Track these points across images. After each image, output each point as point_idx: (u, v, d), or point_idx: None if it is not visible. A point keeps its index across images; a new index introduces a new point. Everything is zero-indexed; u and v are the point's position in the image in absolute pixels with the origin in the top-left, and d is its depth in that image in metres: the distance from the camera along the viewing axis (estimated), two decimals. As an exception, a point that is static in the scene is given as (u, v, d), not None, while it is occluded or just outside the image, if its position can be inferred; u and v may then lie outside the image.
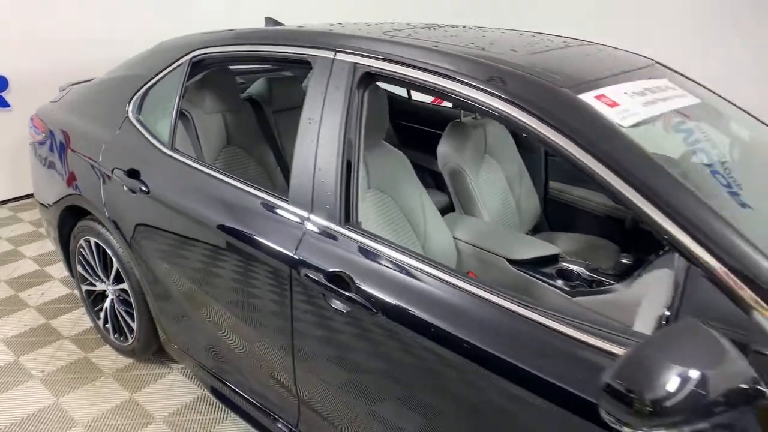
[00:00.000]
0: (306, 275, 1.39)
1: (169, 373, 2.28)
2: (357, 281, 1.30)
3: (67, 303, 2.73)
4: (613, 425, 0.83)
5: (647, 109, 1.25)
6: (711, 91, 1.82)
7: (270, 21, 2.50)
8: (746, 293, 0.89)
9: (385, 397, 1.34)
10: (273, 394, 1.70)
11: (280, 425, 1.70)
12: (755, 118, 1.80)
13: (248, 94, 2.56)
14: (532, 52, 1.46)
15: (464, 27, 1.91)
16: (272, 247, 1.48)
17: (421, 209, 1.89)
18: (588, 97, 1.18)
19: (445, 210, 2.22)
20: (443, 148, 2.21)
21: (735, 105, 1.81)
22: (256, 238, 1.53)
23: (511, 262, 1.83)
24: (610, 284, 1.68)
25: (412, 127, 3.14)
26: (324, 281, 1.34)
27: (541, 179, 2.58)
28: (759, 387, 0.82)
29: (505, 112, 1.17)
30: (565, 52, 1.54)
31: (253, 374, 1.75)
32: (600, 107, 1.16)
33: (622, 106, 1.21)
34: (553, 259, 1.85)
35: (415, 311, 1.22)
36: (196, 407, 2.10)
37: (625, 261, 1.78)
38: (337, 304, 1.33)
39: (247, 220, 1.57)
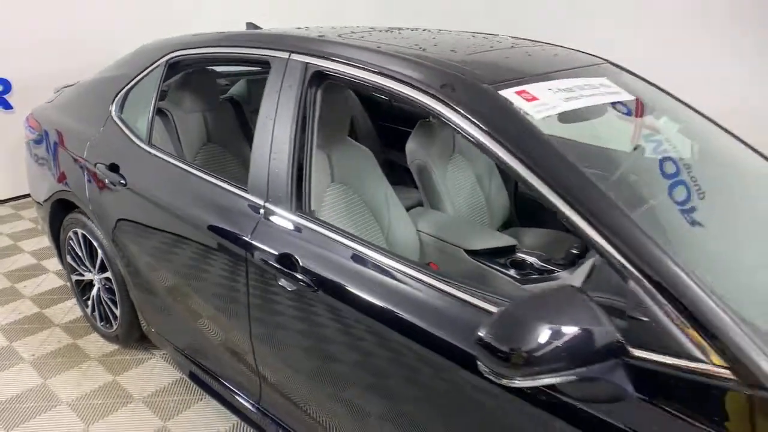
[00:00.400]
0: (260, 258, 1.51)
1: (151, 358, 2.40)
2: (302, 262, 1.42)
3: (61, 294, 2.88)
4: (490, 377, 0.93)
5: (567, 104, 1.36)
6: (665, 91, 1.93)
7: (250, 25, 2.63)
8: (622, 262, 0.99)
9: (332, 372, 1.45)
10: (239, 374, 1.81)
11: (247, 404, 1.81)
12: (708, 118, 1.90)
13: (230, 94, 2.69)
14: (472, 52, 1.57)
15: (424, 30, 2.02)
16: (231, 232, 1.60)
17: (385, 203, 2.00)
18: (508, 93, 1.29)
19: (418, 206, 2.33)
20: (411, 145, 2.32)
21: (689, 106, 1.91)
22: (219, 225, 1.65)
23: (468, 252, 1.94)
24: (558, 272, 1.79)
25: (395, 128, 3.26)
26: (273, 263, 1.46)
27: (512, 177, 2.68)
28: (621, 344, 0.92)
29: (427, 104, 1.29)
30: (506, 53, 1.65)
31: (222, 356, 1.86)
32: (517, 101, 1.27)
33: (540, 100, 1.31)
34: (509, 250, 1.95)
35: (351, 288, 1.33)
36: (174, 389, 2.23)
37: (573, 251, 1.88)
38: (284, 282, 1.45)
39: (212, 209, 1.69)
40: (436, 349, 1.18)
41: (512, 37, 2.05)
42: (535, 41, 1.98)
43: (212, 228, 1.67)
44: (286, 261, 1.44)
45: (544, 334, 0.88)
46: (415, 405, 1.27)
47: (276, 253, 1.46)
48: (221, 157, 2.41)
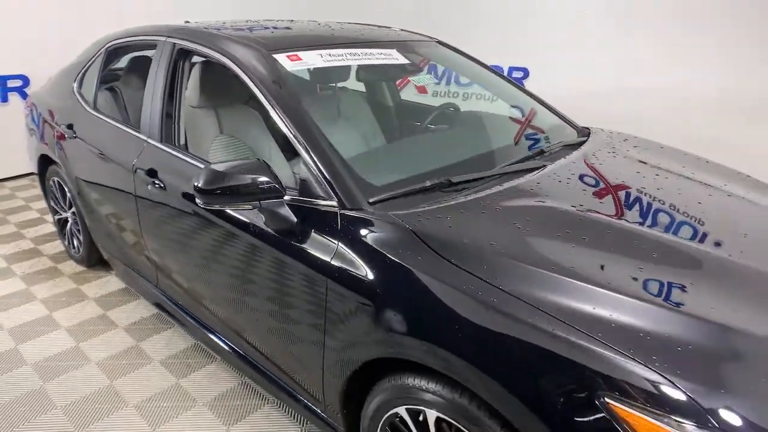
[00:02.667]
0: (140, 172, 2.24)
1: (128, 289, 3.18)
2: (159, 173, 2.14)
3: (54, 238, 3.71)
4: (201, 206, 1.62)
5: (323, 62, 2.02)
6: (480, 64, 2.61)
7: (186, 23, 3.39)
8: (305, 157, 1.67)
9: (186, 248, 2.15)
10: (144, 266, 2.55)
11: (149, 287, 2.55)
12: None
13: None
14: (284, 31, 2.26)
15: (310, 22, 2.70)
16: (124, 159, 2.34)
17: (267, 151, 2.70)
18: (280, 55, 1.97)
19: None
20: None
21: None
22: (121, 154, 2.39)
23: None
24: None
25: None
26: (145, 174, 2.19)
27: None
28: (280, 190, 1.58)
29: (223, 61, 1.99)
30: (315, 31, 2.33)
31: (135, 255, 2.60)
32: (282, 60, 1.95)
33: (302, 60, 1.99)
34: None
35: (182, 187, 2.04)
36: (155, 320, 2.99)
37: None
38: (150, 186, 2.17)
39: (120, 146, 2.44)
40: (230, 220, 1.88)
41: (369, 25, 2.71)
42: (375, 26, 2.65)
43: (118, 158, 2.42)
44: (153, 172, 2.17)
45: (235, 179, 1.56)
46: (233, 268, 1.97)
47: (147, 167, 2.20)
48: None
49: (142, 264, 2.56)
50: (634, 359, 1.06)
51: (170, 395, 2.22)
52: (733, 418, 0.99)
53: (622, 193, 1.73)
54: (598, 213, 1.57)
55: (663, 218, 1.61)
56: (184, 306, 2.34)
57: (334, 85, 2.53)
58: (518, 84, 2.77)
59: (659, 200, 1.72)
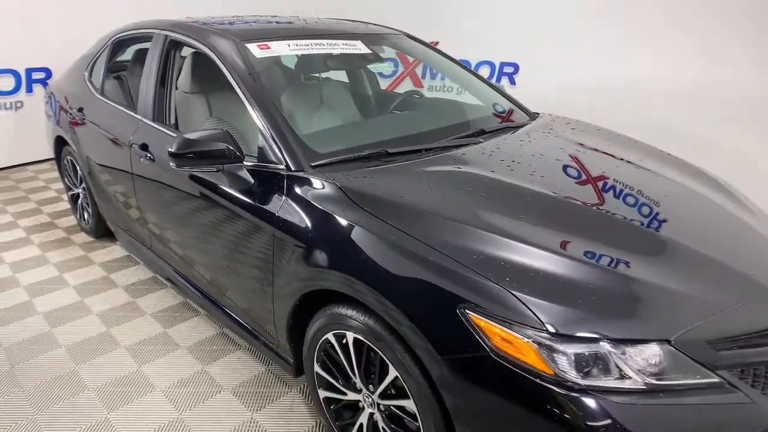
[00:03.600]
0: (135, 147, 2.57)
1: (130, 257, 3.54)
2: (150, 147, 2.47)
3: (68, 213, 4.10)
4: (173, 168, 1.94)
5: (289, 51, 2.33)
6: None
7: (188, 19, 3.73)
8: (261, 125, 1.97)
9: (172, 218, 2.48)
10: (141, 230, 2.89)
11: (145, 250, 2.89)
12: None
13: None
14: (260, 24, 2.57)
15: (293, 16, 3.01)
16: (124, 136, 2.68)
17: (244, 129, 3.01)
18: (251, 44, 2.28)
19: None
20: None
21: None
22: (121, 133, 2.73)
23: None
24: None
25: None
26: (139, 149, 2.52)
27: None
28: (238, 155, 1.88)
29: (203, 49, 2.30)
30: (287, 24, 2.63)
31: (132, 223, 2.94)
32: (253, 48, 2.25)
33: (271, 49, 2.29)
34: None
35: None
36: (150, 282, 3.35)
37: None
38: (143, 159, 2.50)
39: (122, 126, 2.78)
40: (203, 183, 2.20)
41: (345, 20, 3.01)
42: (348, 20, 2.95)
43: (119, 136, 2.76)
44: (145, 146, 2.50)
45: (202, 146, 1.87)
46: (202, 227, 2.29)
47: (140, 143, 2.53)
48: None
49: (138, 230, 2.90)
50: (489, 280, 1.34)
51: (157, 340, 2.55)
52: (563, 325, 1.26)
53: (535, 163, 2.00)
54: (502, 177, 1.84)
55: (559, 180, 1.88)
56: (174, 266, 2.67)
57: (317, 75, 2.86)
58: (478, 74, 3.04)
59: (566, 168, 1.99)
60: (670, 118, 4.50)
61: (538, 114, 2.75)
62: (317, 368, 1.84)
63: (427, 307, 1.39)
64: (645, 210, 1.76)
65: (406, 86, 5.65)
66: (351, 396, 1.75)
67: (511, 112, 2.72)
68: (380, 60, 2.74)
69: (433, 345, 1.36)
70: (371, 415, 1.70)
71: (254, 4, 6.11)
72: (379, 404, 1.65)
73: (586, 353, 1.24)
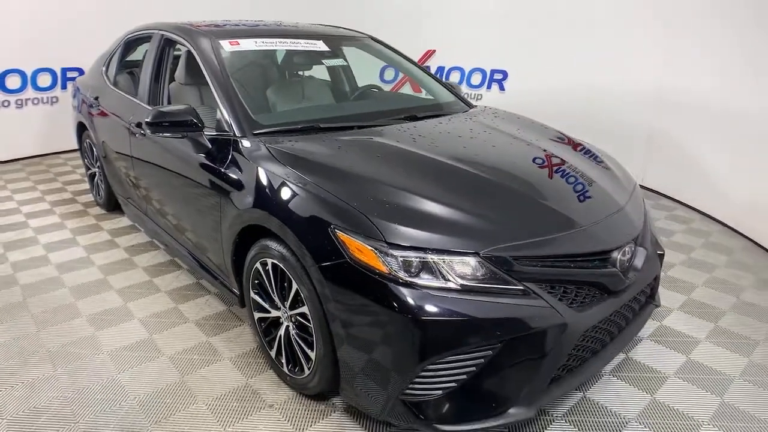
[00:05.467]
0: (133, 124, 3.12)
1: (134, 226, 4.12)
2: (143, 124, 3.01)
3: (88, 192, 4.71)
4: (144, 133, 2.45)
5: (256, 47, 2.84)
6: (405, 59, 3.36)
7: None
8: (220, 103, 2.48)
9: (155, 181, 3.01)
10: (138, 199, 3.43)
11: (141, 214, 3.44)
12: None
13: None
14: (240, 27, 3.09)
15: (279, 20, 3.55)
16: (126, 118, 3.24)
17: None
18: (224, 42, 2.80)
19: None
20: None
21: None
22: (125, 116, 3.29)
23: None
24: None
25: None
26: (134, 127, 3.07)
27: None
28: (199, 126, 2.39)
29: (186, 44, 2.83)
30: (263, 27, 3.15)
31: (132, 191, 3.49)
32: (224, 44, 2.77)
33: (240, 45, 2.81)
34: None
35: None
36: (148, 245, 3.91)
37: None
38: (138, 135, 3.04)
39: (125, 110, 3.35)
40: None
41: (321, 25, 3.53)
42: (322, 25, 3.46)
43: (123, 118, 3.32)
44: (140, 124, 3.05)
45: (169, 116, 2.38)
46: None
47: (136, 121, 3.08)
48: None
49: (137, 199, 3.45)
50: (353, 208, 1.79)
51: (143, 286, 3.07)
52: (395, 238, 1.70)
53: (437, 138, 2.44)
54: (402, 145, 2.29)
55: (448, 148, 2.32)
56: (161, 226, 3.20)
57: (301, 71, 3.41)
58: (432, 74, 3.50)
59: (460, 141, 2.43)
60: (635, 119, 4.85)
61: (475, 106, 3.18)
62: (252, 295, 2.31)
63: (310, 230, 1.85)
64: (501, 167, 2.20)
65: (406, 89, 6.15)
66: (274, 313, 2.21)
67: (451, 103, 3.16)
68: (336, 57, 3.25)
69: (313, 256, 1.82)
70: (287, 327, 2.16)
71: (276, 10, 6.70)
72: (291, 316, 2.11)
73: (413, 258, 1.67)
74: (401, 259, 1.67)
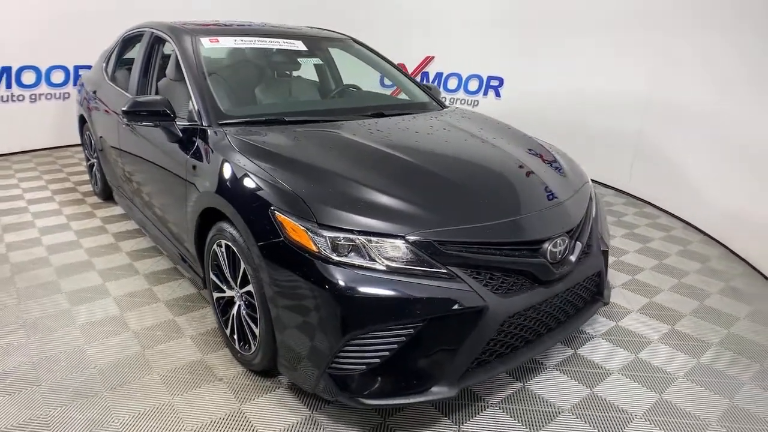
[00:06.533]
0: (124, 114, 3.30)
1: (126, 214, 4.31)
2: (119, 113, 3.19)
3: (88, 182, 4.93)
4: (128, 124, 2.61)
5: (235, 44, 2.99)
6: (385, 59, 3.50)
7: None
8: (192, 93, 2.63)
9: (137, 168, 3.18)
10: (128, 192, 3.61)
11: (129, 203, 3.61)
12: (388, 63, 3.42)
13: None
14: (220, 26, 3.25)
15: (264, 23, 3.72)
16: (117, 108, 3.42)
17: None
18: (205, 39, 2.96)
19: None
20: None
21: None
22: (116, 107, 3.48)
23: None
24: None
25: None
26: (121, 118, 3.25)
27: None
28: (171, 116, 2.54)
29: (167, 39, 3.00)
30: (248, 27, 3.31)
31: (122, 183, 3.67)
32: (204, 42, 2.93)
33: (219, 42, 2.97)
34: None
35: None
36: (135, 232, 4.10)
37: None
38: (125, 125, 3.22)
39: (116, 102, 3.53)
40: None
41: (307, 27, 3.68)
42: (306, 27, 3.61)
43: (115, 109, 3.50)
44: (132, 114, 3.22)
45: (144, 106, 2.54)
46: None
47: (123, 109, 3.25)
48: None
49: (125, 186, 3.63)
50: (291, 191, 1.91)
51: (123, 268, 3.23)
52: (325, 219, 1.81)
53: (395, 133, 2.55)
54: (357, 138, 2.41)
55: (402, 142, 2.43)
56: (145, 214, 3.36)
57: (286, 71, 3.57)
58: (409, 75, 3.62)
59: (416, 137, 2.54)
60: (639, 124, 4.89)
61: (447, 106, 3.29)
62: (212, 275, 2.44)
63: (254, 212, 1.98)
64: (445, 160, 2.32)
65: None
66: (228, 293, 2.34)
67: (424, 104, 3.27)
68: (314, 56, 3.39)
69: (254, 236, 1.94)
70: (239, 306, 2.28)
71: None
72: (242, 295, 2.23)
73: (341, 239, 1.78)
74: (330, 239, 1.78)
